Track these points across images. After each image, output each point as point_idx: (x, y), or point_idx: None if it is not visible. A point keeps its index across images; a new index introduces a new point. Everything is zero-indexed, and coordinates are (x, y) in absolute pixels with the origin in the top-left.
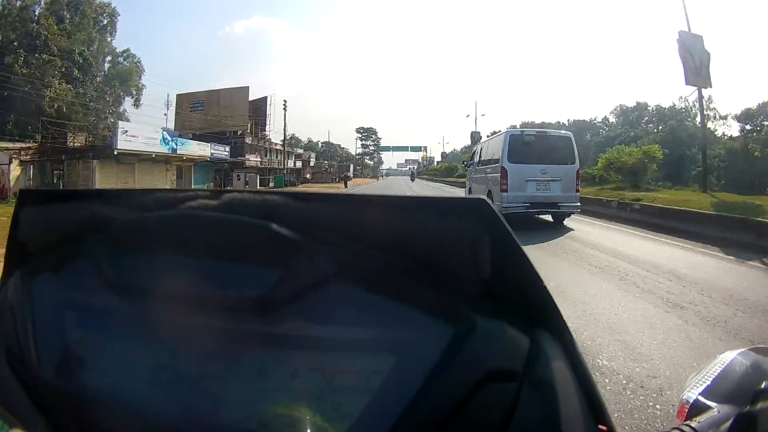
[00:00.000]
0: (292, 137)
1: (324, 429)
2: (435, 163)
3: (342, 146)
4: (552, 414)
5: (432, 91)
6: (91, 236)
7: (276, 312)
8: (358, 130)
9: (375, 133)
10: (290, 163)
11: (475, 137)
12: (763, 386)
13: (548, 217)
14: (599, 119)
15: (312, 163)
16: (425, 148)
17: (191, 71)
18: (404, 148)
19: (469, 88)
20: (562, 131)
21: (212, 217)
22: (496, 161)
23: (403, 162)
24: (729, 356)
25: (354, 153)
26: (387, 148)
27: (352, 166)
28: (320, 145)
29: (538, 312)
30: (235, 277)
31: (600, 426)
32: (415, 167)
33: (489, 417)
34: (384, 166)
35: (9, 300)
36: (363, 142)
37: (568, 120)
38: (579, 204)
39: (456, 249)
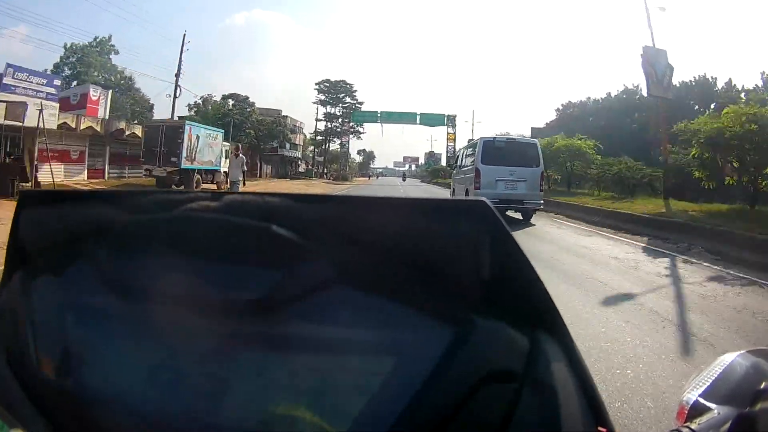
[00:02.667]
0: (206, 98)
1: (324, 429)
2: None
3: (291, 116)
4: (551, 415)
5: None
6: (92, 238)
7: (276, 313)
8: (319, 87)
9: (349, 91)
10: None
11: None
12: (762, 387)
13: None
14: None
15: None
16: (452, 119)
17: (191, 68)
18: (409, 117)
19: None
20: (530, 138)
21: (212, 219)
22: (473, 163)
23: (401, 160)
24: (728, 358)
25: (314, 132)
26: (371, 116)
27: (234, 147)
28: (257, 112)
29: (538, 313)
30: (235, 278)
31: (600, 428)
32: (413, 167)
33: (489, 418)
34: (378, 165)
35: (9, 301)
36: (329, 108)
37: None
38: (542, 201)
39: (456, 250)
